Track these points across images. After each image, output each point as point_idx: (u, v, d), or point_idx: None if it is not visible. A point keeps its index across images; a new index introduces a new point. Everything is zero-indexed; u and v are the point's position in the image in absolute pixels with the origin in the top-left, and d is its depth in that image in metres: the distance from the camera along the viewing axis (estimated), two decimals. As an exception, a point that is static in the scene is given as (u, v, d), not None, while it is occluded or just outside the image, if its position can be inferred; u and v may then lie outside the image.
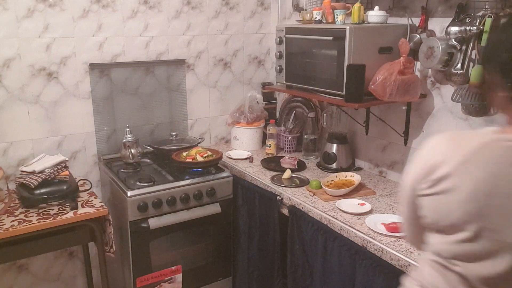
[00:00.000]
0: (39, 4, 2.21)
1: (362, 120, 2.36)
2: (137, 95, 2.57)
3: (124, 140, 2.39)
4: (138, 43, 2.53)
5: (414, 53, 1.95)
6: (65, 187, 2.05)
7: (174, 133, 2.57)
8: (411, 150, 2.13)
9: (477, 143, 0.93)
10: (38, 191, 2.00)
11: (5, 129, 2.24)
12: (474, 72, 1.72)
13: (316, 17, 2.19)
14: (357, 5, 1.99)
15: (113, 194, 2.33)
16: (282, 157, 2.47)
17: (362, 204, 1.90)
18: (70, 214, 1.95)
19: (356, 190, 2.05)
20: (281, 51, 2.28)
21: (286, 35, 2.22)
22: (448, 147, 0.97)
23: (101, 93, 2.46)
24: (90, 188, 2.24)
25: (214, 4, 2.72)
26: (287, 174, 2.25)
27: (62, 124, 2.39)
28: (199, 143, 2.59)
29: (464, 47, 1.78)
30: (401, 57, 1.86)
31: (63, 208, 2.00)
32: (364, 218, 1.77)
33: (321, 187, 2.05)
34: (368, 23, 2.00)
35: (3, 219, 1.89)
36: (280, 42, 2.27)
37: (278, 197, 2.12)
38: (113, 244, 2.07)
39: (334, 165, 2.37)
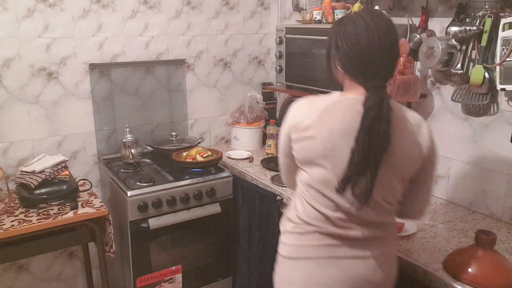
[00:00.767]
0: (39, 4, 2.21)
1: (362, 120, 2.36)
2: (137, 95, 2.57)
3: (124, 140, 2.39)
4: (138, 43, 2.53)
5: (414, 53, 1.94)
6: (65, 187, 2.05)
7: (174, 133, 2.57)
8: (411, 150, 2.13)
9: (328, 102, 1.25)
10: (38, 191, 2.00)
11: (5, 129, 2.24)
12: (474, 72, 1.72)
13: (316, 17, 2.19)
14: (357, 5, 1.99)
15: (113, 194, 2.33)
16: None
17: (362, 204, 1.89)
18: (70, 214, 1.95)
19: (356, 190, 2.05)
20: (281, 51, 2.28)
21: (286, 35, 2.22)
22: (307, 107, 1.28)
23: (101, 93, 2.46)
24: (90, 188, 2.24)
25: (214, 4, 2.72)
26: (287, 174, 2.25)
27: (62, 124, 2.39)
28: (199, 143, 2.59)
29: (464, 47, 1.78)
30: (401, 57, 1.85)
31: (63, 208, 2.00)
32: (364, 218, 1.76)
33: (321, 187, 2.04)
34: (368, 23, 1.99)
35: (3, 219, 1.89)
36: (280, 42, 2.27)
37: (278, 197, 2.11)
38: (113, 244, 2.07)
39: (334, 165, 2.36)
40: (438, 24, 1.91)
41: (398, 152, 1.21)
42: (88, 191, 2.21)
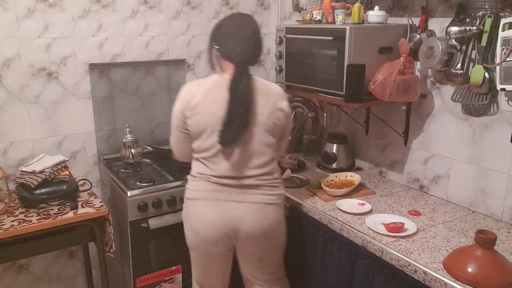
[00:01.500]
0: (39, 4, 2.21)
1: (362, 120, 2.36)
2: (137, 95, 2.57)
3: (124, 140, 2.39)
4: (138, 43, 2.53)
5: (414, 53, 1.95)
6: (65, 187, 2.05)
7: (174, 133, 2.56)
8: (411, 150, 2.13)
9: (212, 82, 1.67)
10: (38, 191, 2.00)
11: (5, 129, 2.24)
12: (474, 72, 1.72)
13: (316, 17, 2.19)
14: (357, 5, 1.99)
15: (113, 194, 2.33)
16: (282, 157, 2.47)
17: (362, 204, 1.89)
18: (70, 214, 1.95)
19: (356, 190, 2.05)
20: (281, 51, 2.28)
21: (286, 35, 2.22)
22: (196, 87, 1.67)
23: (101, 93, 2.46)
24: (90, 188, 2.24)
25: (214, 4, 2.72)
26: (287, 174, 2.25)
27: (62, 124, 2.39)
28: (199, 143, 2.59)
29: (464, 47, 1.78)
30: (401, 57, 1.86)
31: (63, 208, 2.00)
32: (364, 218, 1.77)
33: (321, 187, 2.05)
34: (368, 23, 2.00)
35: (3, 219, 1.89)
36: (280, 42, 2.27)
37: (278, 197, 2.12)
38: (113, 244, 2.07)
39: (334, 165, 2.37)
40: (438, 24, 1.91)
41: (265, 111, 1.65)
42: (88, 191, 2.21)
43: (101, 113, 2.48)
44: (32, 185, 1.99)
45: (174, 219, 2.19)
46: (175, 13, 2.61)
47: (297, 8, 2.72)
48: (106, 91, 2.48)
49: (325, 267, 1.83)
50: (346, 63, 1.89)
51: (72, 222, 1.94)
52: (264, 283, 1.89)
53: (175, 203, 2.19)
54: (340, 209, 1.86)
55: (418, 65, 2.00)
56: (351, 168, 2.40)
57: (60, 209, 1.99)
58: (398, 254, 1.51)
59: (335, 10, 2.08)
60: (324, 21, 2.18)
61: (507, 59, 1.56)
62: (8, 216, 1.92)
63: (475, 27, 1.69)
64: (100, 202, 2.07)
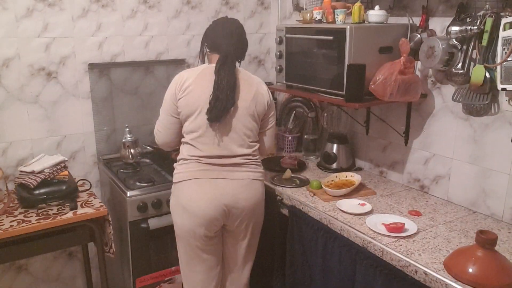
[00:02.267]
0: (38, 3, 2.21)
1: (362, 120, 2.36)
2: (136, 95, 2.57)
3: (123, 140, 2.38)
4: (137, 43, 2.52)
5: (414, 53, 1.94)
6: (64, 187, 2.05)
7: (173, 133, 2.56)
8: (412, 150, 2.12)
9: (200, 69, 1.86)
10: (37, 191, 2.00)
11: (4, 129, 2.24)
12: (475, 72, 1.71)
13: (316, 17, 2.18)
14: (357, 4, 1.98)
15: (112, 194, 2.33)
16: (282, 157, 2.47)
17: (363, 204, 1.89)
18: (70, 214, 1.94)
19: (356, 190, 2.05)
20: (281, 51, 2.28)
21: (286, 35, 2.22)
22: (187, 73, 1.87)
23: (100, 93, 2.46)
24: (90, 188, 2.23)
25: (214, 3, 2.71)
26: (287, 174, 2.25)
27: (62, 124, 2.38)
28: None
29: (464, 47, 1.77)
30: (402, 57, 1.85)
31: (63, 208, 1.99)
32: (364, 218, 1.76)
33: (321, 187, 2.04)
34: (369, 22, 1.99)
35: (3, 219, 1.89)
36: (280, 42, 2.26)
37: (278, 197, 2.11)
38: (113, 245, 2.07)
39: (334, 165, 2.36)
40: (439, 24, 1.91)
41: (248, 97, 1.85)
42: (88, 191, 2.20)
43: (101, 113, 2.48)
44: (32, 185, 1.99)
45: (174, 219, 2.19)
46: (175, 12, 2.60)
47: (297, 7, 2.71)
48: (106, 91, 2.47)
49: (326, 267, 1.83)
50: (346, 63, 1.89)
51: (71, 222, 1.93)
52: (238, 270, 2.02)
53: (175, 203, 2.18)
54: (341, 209, 1.85)
55: (418, 64, 1.99)
56: (351, 168, 2.39)
57: (60, 209, 1.99)
58: (399, 255, 1.50)
59: (335, 10, 2.08)
60: (324, 21, 2.18)
61: (508, 59, 1.55)
62: (8, 216, 1.92)
63: (475, 27, 1.68)
64: (100, 202, 2.07)
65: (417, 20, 1.98)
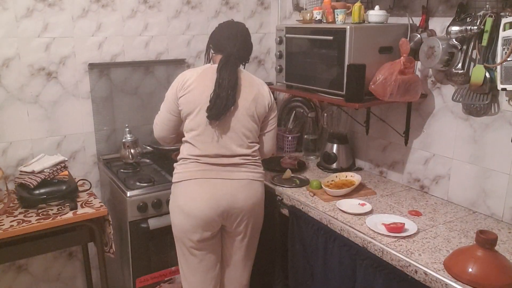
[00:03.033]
0: (38, 3, 2.21)
1: (362, 120, 2.36)
2: (136, 95, 2.57)
3: (123, 140, 2.38)
4: (137, 43, 2.52)
5: (414, 53, 1.94)
6: (64, 187, 2.05)
7: (173, 133, 2.56)
8: (412, 150, 2.12)
9: (203, 69, 1.88)
10: (37, 191, 2.00)
11: (4, 129, 2.24)
12: (475, 72, 1.71)
13: (316, 17, 2.18)
14: (357, 4, 1.98)
15: (112, 194, 2.33)
16: (282, 157, 2.47)
17: (363, 204, 1.89)
18: (70, 214, 1.94)
19: (356, 190, 2.05)
20: (281, 51, 2.27)
21: (286, 35, 2.22)
22: (190, 72, 1.88)
23: (100, 93, 2.46)
24: (90, 188, 2.23)
25: (214, 3, 2.71)
26: (287, 174, 2.25)
27: (62, 124, 2.38)
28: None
29: (464, 47, 1.77)
30: (402, 57, 1.85)
31: (63, 208, 1.99)
32: (364, 218, 1.76)
33: (321, 187, 2.04)
34: (369, 22, 1.99)
35: (3, 219, 1.89)
36: (280, 42, 2.26)
37: (278, 197, 2.11)
38: (113, 245, 2.07)
39: (334, 165, 2.36)
40: (439, 24, 1.91)
41: (249, 97, 1.86)
42: (88, 191, 2.20)
43: (101, 113, 2.48)
44: (32, 185, 1.99)
45: (174, 219, 2.19)
46: (175, 12, 2.60)
47: (297, 7, 2.71)
48: (106, 91, 2.47)
49: (326, 267, 1.83)
50: (346, 63, 1.89)
51: (71, 222, 1.93)
52: (238, 268, 2.02)
53: (175, 203, 2.18)
54: (341, 209, 1.85)
55: (418, 64, 1.99)
56: (351, 168, 2.39)
57: (60, 209, 1.99)
58: (399, 255, 1.50)
59: (335, 10, 2.08)
60: (324, 21, 2.18)
61: (508, 59, 1.55)
62: (8, 216, 1.92)
63: (476, 27, 1.68)
64: (100, 202, 2.07)
65: (417, 20, 1.98)
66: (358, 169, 2.39)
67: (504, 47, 1.58)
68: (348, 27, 1.86)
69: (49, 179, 2.06)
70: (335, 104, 2.12)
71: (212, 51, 1.96)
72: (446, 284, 1.36)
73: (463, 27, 1.71)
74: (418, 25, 1.98)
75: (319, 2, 2.45)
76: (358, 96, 1.89)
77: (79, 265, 2.60)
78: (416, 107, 2.07)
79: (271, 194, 2.12)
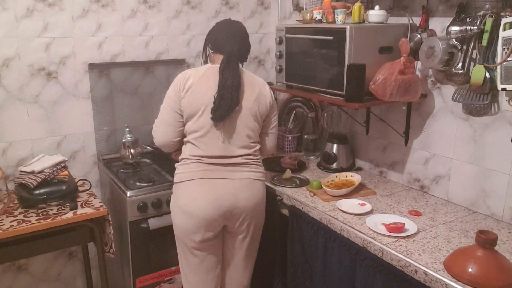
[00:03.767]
0: (38, 3, 2.21)
1: (362, 120, 2.36)
2: (136, 95, 2.57)
3: (123, 140, 2.38)
4: (137, 43, 2.52)
5: (414, 53, 1.94)
6: (64, 187, 2.05)
7: (173, 133, 2.56)
8: (412, 150, 2.12)
9: (205, 69, 1.87)
10: (37, 191, 2.00)
11: (4, 129, 2.24)
12: (475, 72, 1.71)
13: (316, 17, 2.18)
14: (357, 4, 1.98)
15: (112, 194, 2.33)
16: (282, 157, 2.47)
17: (363, 205, 1.89)
18: (70, 214, 1.94)
19: (356, 190, 2.05)
20: (281, 51, 2.27)
21: (286, 35, 2.22)
22: (191, 71, 1.87)
23: (100, 93, 2.46)
24: (90, 188, 2.23)
25: (214, 3, 2.71)
26: (287, 174, 2.25)
27: (62, 124, 2.38)
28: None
29: (464, 47, 1.77)
30: (402, 57, 1.85)
31: (63, 208, 1.99)
32: (364, 218, 1.76)
33: (321, 187, 2.04)
34: (369, 22, 1.99)
35: (3, 219, 1.89)
36: (280, 42, 2.26)
37: (278, 197, 2.11)
38: (113, 245, 2.07)
39: (334, 165, 2.36)
40: (439, 24, 1.91)
41: (251, 97, 1.86)
42: (88, 191, 2.20)
43: (101, 113, 2.48)
44: (32, 185, 1.99)
45: (174, 219, 2.19)
46: (175, 12, 2.60)
47: (297, 7, 2.71)
48: (106, 91, 2.47)
49: (326, 267, 1.83)
50: (346, 63, 1.89)
51: (71, 222, 1.93)
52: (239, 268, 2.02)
53: (175, 203, 2.18)
54: (341, 209, 1.85)
55: (418, 64, 1.99)
56: (351, 168, 2.39)
57: (60, 209, 1.99)
58: (399, 255, 1.50)
59: (335, 10, 2.08)
60: (324, 21, 2.18)
61: (508, 59, 1.55)
62: (8, 216, 1.92)
63: (475, 27, 1.68)
64: (100, 202, 2.07)
65: (417, 20, 1.98)
66: (358, 169, 2.39)
67: (504, 47, 1.58)
68: (348, 27, 1.86)
69: (49, 179, 2.06)
70: (335, 104, 2.12)
71: (210, 50, 1.94)
72: (446, 284, 1.36)
73: (463, 27, 1.71)
74: (418, 25, 1.98)
75: (319, 2, 2.45)
76: (358, 96, 1.89)
77: (79, 265, 2.60)
78: (416, 107, 2.07)
79: (271, 194, 2.12)
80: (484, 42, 1.68)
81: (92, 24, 2.37)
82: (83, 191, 2.20)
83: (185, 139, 1.90)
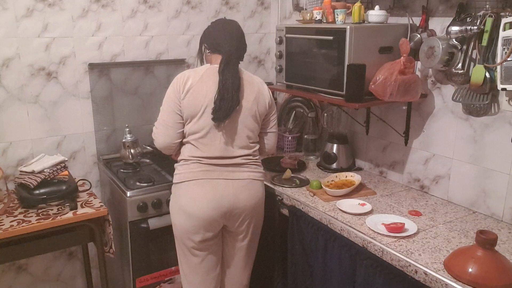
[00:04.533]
0: (38, 3, 2.21)
1: (362, 120, 2.35)
2: (136, 95, 2.57)
3: (123, 140, 2.38)
4: (137, 43, 2.52)
5: (414, 53, 1.94)
6: (64, 187, 2.05)
7: (173, 133, 2.56)
8: (412, 150, 2.12)
9: (204, 69, 1.85)
10: (37, 191, 2.00)
11: (4, 129, 2.24)
12: (475, 72, 1.71)
13: (316, 17, 2.18)
14: (357, 4, 1.98)
15: (112, 194, 2.33)
16: (282, 157, 2.47)
17: (363, 205, 1.89)
18: (70, 214, 1.94)
19: (356, 190, 2.05)
20: (281, 51, 2.27)
21: (286, 35, 2.22)
22: (189, 72, 1.86)
23: (100, 93, 2.46)
24: (90, 188, 2.23)
25: (214, 3, 2.71)
26: (287, 174, 2.25)
27: (62, 124, 2.38)
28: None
29: (464, 47, 1.77)
30: (402, 57, 1.85)
31: (63, 208, 1.99)
32: (364, 218, 1.76)
33: (321, 187, 2.04)
34: (369, 22, 1.99)
35: (3, 219, 1.89)
36: (280, 42, 2.26)
37: (278, 197, 2.11)
38: (113, 245, 2.07)
39: (334, 165, 2.36)
40: (439, 24, 1.91)
41: (251, 97, 1.85)
42: (88, 191, 2.20)
43: (101, 113, 2.48)
44: (32, 185, 1.99)
45: (174, 219, 2.19)
46: (175, 12, 2.60)
47: (297, 7, 2.71)
48: (106, 91, 2.47)
49: (326, 267, 1.83)
50: (346, 63, 1.89)
51: (71, 222, 1.93)
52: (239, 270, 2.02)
53: (175, 203, 2.18)
54: (341, 209, 1.85)
55: (418, 64, 1.99)
56: (351, 168, 2.39)
57: (60, 209, 1.99)
58: (399, 255, 1.50)
59: (335, 10, 2.08)
60: (325, 21, 2.18)
61: (508, 59, 1.55)
62: (8, 216, 1.92)
63: (475, 27, 1.68)
64: (100, 202, 2.07)
65: (417, 20, 1.98)
66: (358, 169, 2.39)
67: (504, 47, 1.58)
68: (348, 27, 1.86)
69: (49, 179, 2.06)
70: (335, 104, 2.12)
71: (207, 51, 1.92)
72: (446, 284, 1.36)
73: (463, 27, 1.71)
74: (418, 25, 1.98)
75: (319, 2, 2.45)
76: (358, 96, 1.89)
77: (79, 265, 2.60)
78: (416, 107, 2.07)
79: (271, 194, 2.12)
80: (484, 42, 1.68)
81: (92, 24, 2.37)
82: (83, 191, 2.20)
83: (184, 140, 1.89)
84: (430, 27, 1.95)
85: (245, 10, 2.83)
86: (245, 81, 1.87)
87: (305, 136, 2.60)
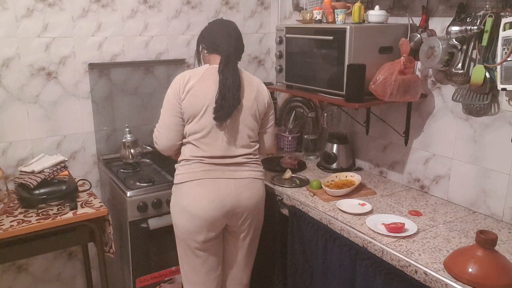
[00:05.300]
0: (38, 3, 2.21)
1: (362, 120, 2.35)
2: (136, 95, 2.57)
3: (123, 140, 2.38)
4: (137, 43, 2.52)
5: (414, 53, 1.94)
6: (64, 187, 2.05)
7: (173, 133, 2.56)
8: (412, 150, 2.12)
9: (204, 69, 1.86)
10: (37, 191, 1.99)
11: (4, 129, 2.24)
12: (475, 72, 1.71)
13: (316, 17, 2.18)
14: (357, 4, 1.98)
15: (112, 194, 2.33)
16: (282, 157, 2.47)
17: (363, 205, 1.89)
18: (70, 214, 1.94)
19: (356, 190, 2.05)
20: (281, 51, 2.27)
21: (286, 35, 2.22)
22: (189, 73, 1.86)
23: (100, 93, 2.46)
24: (90, 188, 2.23)
25: (214, 3, 2.71)
26: (287, 174, 2.25)
27: (62, 124, 2.38)
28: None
29: (464, 47, 1.77)
30: (402, 57, 1.85)
31: (63, 208, 1.99)
32: (364, 218, 1.76)
33: (321, 187, 2.04)
34: (369, 22, 1.99)
35: (2, 220, 1.89)
36: (280, 42, 2.26)
37: (278, 197, 2.11)
38: (113, 245, 2.07)
39: (334, 165, 2.36)
40: (439, 24, 1.91)
41: (251, 96, 1.87)
42: (88, 191, 2.20)
43: (101, 113, 2.48)
44: (31, 185, 1.99)
45: (174, 219, 2.19)
46: (175, 12, 2.60)
47: (297, 7, 2.71)
48: (106, 91, 2.47)
49: (326, 267, 1.83)
50: (346, 63, 1.89)
51: (71, 222, 1.93)
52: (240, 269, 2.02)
53: (175, 203, 2.18)
54: (340, 209, 1.85)
55: (418, 64, 1.99)
56: (351, 168, 2.39)
57: (60, 209, 1.99)
58: (399, 255, 1.50)
59: (335, 10, 2.08)
60: (325, 21, 2.18)
61: (508, 59, 1.55)
62: (8, 217, 1.92)
63: (475, 27, 1.68)
64: (100, 202, 2.07)
65: (417, 20, 1.98)
66: (358, 169, 2.39)
67: (504, 47, 1.58)
68: (348, 27, 1.86)
69: (49, 179, 2.06)
70: (335, 104, 2.12)
71: (205, 51, 1.93)
72: (446, 284, 1.36)
73: (463, 27, 1.71)
74: (418, 25, 1.98)
75: (319, 2, 2.45)
76: (358, 96, 1.89)
77: (79, 265, 2.60)
78: (416, 107, 2.07)
79: (271, 194, 2.12)
80: (484, 42, 1.68)
81: (92, 24, 2.37)
82: (83, 191, 2.20)
83: (184, 140, 1.89)
84: (430, 27, 1.95)
85: (245, 10, 2.83)
86: (245, 80, 1.88)
87: (305, 136, 2.60)
